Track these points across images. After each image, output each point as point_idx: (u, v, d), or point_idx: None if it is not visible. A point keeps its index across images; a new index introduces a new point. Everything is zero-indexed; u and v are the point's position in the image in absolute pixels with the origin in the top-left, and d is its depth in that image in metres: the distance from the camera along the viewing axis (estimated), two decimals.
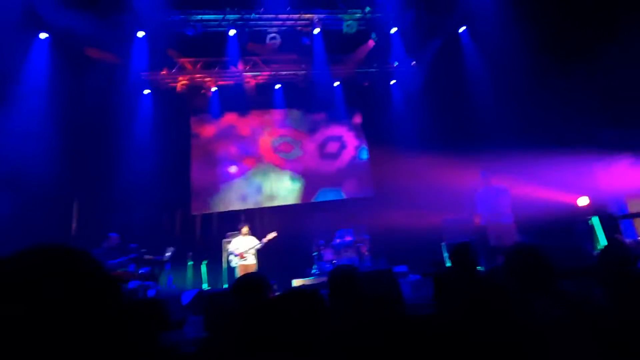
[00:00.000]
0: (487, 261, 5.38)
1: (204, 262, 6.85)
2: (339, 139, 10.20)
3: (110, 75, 8.24)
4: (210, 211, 8.93)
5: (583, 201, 6.99)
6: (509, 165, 6.23)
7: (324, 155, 10.00)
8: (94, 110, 8.03)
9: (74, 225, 7.60)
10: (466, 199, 6.24)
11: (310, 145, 10.01)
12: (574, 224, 6.21)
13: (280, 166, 9.67)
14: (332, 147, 10.14)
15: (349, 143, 10.24)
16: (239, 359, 1.20)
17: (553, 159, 6.39)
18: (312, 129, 10.14)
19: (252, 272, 2.10)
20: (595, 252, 4.91)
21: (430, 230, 7.07)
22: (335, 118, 10.18)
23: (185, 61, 8.91)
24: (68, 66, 7.61)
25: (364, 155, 10.16)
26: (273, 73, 9.32)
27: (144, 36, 7.94)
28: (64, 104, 7.50)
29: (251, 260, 6.69)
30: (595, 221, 6.15)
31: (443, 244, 6.89)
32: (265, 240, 6.79)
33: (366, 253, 7.44)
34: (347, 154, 10.15)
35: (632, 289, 1.39)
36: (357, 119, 10.41)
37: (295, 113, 10.07)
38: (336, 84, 9.81)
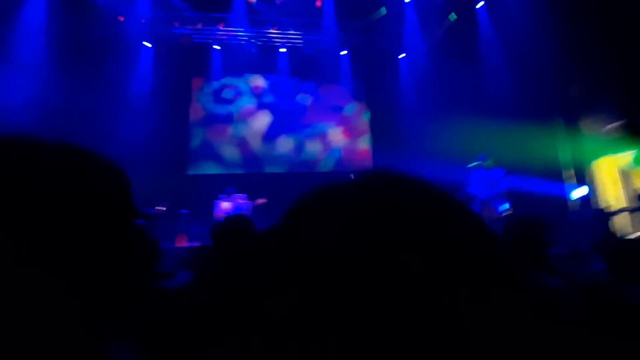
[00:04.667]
0: None
1: (197, 221, 6.85)
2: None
3: (110, 23, 7.92)
4: (206, 172, 8.87)
5: (578, 193, 6.99)
6: (511, 147, 6.16)
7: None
8: (92, 59, 7.76)
9: None
10: (466, 178, 6.18)
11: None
12: (567, 213, 6.24)
13: (277, 134, 9.52)
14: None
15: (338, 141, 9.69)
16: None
17: (559, 145, 6.32)
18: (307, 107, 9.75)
19: (232, 215, 1.96)
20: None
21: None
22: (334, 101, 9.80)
23: (188, 15, 8.53)
24: (67, 10, 7.26)
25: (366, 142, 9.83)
26: (279, 35, 8.97)
27: None
28: (62, 51, 7.22)
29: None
30: (589, 213, 6.19)
31: None
32: (254, 204, 6.79)
33: None
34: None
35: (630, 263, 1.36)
36: (362, 108, 10.01)
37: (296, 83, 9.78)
38: (343, 52, 9.50)
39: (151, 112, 8.29)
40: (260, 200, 6.82)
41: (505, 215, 5.38)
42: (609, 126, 6.45)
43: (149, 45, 8.64)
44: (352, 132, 9.83)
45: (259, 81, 9.67)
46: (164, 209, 5.92)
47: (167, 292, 1.49)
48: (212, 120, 9.29)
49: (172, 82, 8.85)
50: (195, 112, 9.27)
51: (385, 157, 9.12)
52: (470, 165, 5.93)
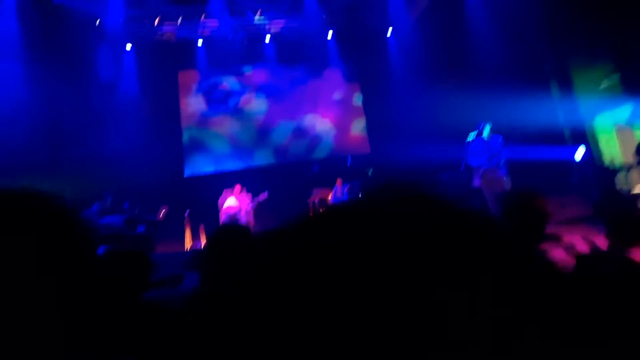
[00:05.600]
0: None
1: (201, 221, 6.84)
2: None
3: (88, 30, 7.72)
4: (201, 172, 8.81)
5: (579, 153, 6.95)
6: (507, 114, 6.08)
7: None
8: (75, 68, 7.61)
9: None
10: (465, 149, 6.10)
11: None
12: (571, 175, 6.21)
13: (269, 124, 9.41)
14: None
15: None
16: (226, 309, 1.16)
17: (554, 107, 6.25)
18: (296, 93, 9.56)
19: (227, 225, 1.85)
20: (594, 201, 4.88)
21: (428, 184, 7.03)
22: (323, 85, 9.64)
23: (168, 11, 8.28)
24: (41, 24, 7.07)
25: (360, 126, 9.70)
26: (262, 23, 8.76)
27: None
28: (43, 65, 7.06)
29: (243, 220, 6.64)
30: (590, 172, 6.17)
31: None
32: (256, 201, 6.75)
33: None
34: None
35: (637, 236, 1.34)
36: (353, 89, 9.83)
37: (283, 72, 9.58)
38: (329, 35, 9.29)
39: (141, 115, 8.18)
40: (262, 196, 6.77)
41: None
42: (604, 82, 6.35)
43: (129, 46, 8.45)
44: (345, 116, 9.71)
45: (246, 73, 9.50)
46: (164, 211, 5.89)
47: (158, 306, 1.47)
48: (202, 116, 9.18)
49: (159, 81, 8.70)
50: (185, 109, 9.15)
51: (381, 139, 9.05)
52: (468, 139, 5.82)
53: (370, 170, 7.59)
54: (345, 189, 7.53)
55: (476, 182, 5.79)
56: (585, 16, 6.13)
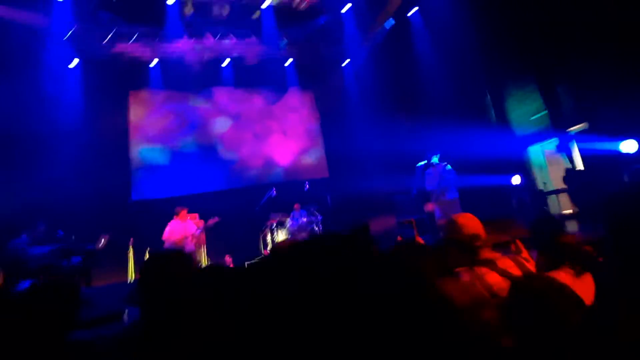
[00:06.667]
0: (433, 236, 5.64)
1: (147, 250, 6.36)
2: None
3: (30, 43, 7.20)
4: (153, 197, 8.32)
5: (516, 179, 7.57)
6: (453, 142, 6.51)
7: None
8: (13, 83, 7.00)
9: None
10: (415, 176, 6.42)
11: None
12: (509, 199, 6.71)
13: (226, 148, 9.25)
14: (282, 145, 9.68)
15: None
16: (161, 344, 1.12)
17: (494, 139, 6.81)
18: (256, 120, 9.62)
19: (161, 251, 1.76)
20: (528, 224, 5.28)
21: (382, 208, 7.23)
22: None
23: (121, 29, 8.00)
24: None
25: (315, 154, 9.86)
26: (221, 46, 8.76)
27: None
28: None
29: (190, 247, 6.26)
30: (526, 196, 6.73)
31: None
32: (204, 225, 6.45)
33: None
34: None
35: (562, 257, 1.46)
36: (312, 115, 10.07)
37: (240, 94, 9.59)
38: (288, 62, 9.51)
39: (84, 134, 7.64)
40: (212, 221, 6.48)
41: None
42: (534, 117, 7.10)
43: (76, 61, 7.97)
44: (303, 141, 9.83)
45: (203, 95, 9.35)
46: (104, 241, 5.40)
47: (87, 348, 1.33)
48: (153, 138, 8.78)
49: (107, 100, 8.24)
50: (135, 130, 8.71)
51: (339, 164, 9.23)
52: (419, 164, 6.19)
53: (329, 196, 7.68)
54: (304, 214, 7.52)
55: (429, 206, 6.11)
56: (517, 61, 6.91)
